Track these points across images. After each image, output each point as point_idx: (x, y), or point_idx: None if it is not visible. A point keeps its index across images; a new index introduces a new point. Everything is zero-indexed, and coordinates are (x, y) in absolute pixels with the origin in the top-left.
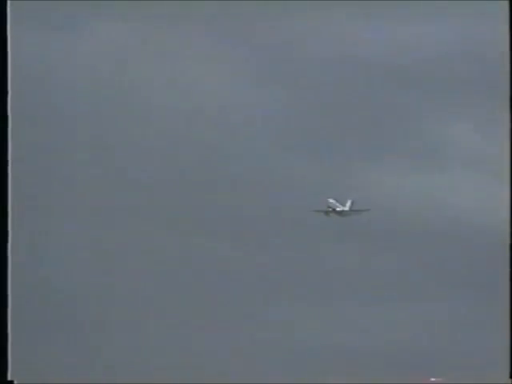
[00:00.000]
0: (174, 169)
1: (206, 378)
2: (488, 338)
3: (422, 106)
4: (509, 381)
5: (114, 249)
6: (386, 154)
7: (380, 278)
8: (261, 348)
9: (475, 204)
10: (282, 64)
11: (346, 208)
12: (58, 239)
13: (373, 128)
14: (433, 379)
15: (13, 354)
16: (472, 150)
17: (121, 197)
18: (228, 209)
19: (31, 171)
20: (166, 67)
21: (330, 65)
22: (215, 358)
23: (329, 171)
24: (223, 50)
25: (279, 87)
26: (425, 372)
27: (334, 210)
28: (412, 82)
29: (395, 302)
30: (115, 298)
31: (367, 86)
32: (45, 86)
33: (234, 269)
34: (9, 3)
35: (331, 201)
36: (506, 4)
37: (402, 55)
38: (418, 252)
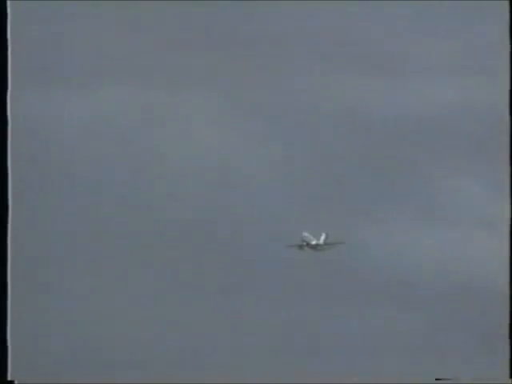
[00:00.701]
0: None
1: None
2: None
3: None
4: (509, 381)
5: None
6: (388, 207)
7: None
8: None
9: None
10: (286, 119)
11: (321, 242)
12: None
13: (373, 181)
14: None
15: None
16: (474, 205)
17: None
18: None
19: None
20: (177, 131)
21: (330, 119)
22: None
23: (330, 223)
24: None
25: (282, 143)
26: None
27: (308, 243)
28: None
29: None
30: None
31: (368, 140)
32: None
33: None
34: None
35: (305, 234)
36: (506, 4)
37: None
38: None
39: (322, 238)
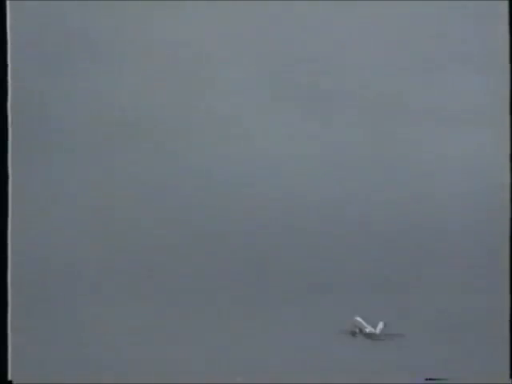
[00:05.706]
0: None
1: None
2: None
3: None
4: (509, 381)
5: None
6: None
7: None
8: None
9: None
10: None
11: (377, 331)
12: None
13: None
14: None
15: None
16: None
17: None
18: None
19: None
20: None
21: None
22: None
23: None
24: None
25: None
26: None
27: (361, 330)
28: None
29: None
30: None
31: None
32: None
33: None
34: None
35: (358, 319)
36: (506, 4)
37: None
38: None
39: (380, 326)
